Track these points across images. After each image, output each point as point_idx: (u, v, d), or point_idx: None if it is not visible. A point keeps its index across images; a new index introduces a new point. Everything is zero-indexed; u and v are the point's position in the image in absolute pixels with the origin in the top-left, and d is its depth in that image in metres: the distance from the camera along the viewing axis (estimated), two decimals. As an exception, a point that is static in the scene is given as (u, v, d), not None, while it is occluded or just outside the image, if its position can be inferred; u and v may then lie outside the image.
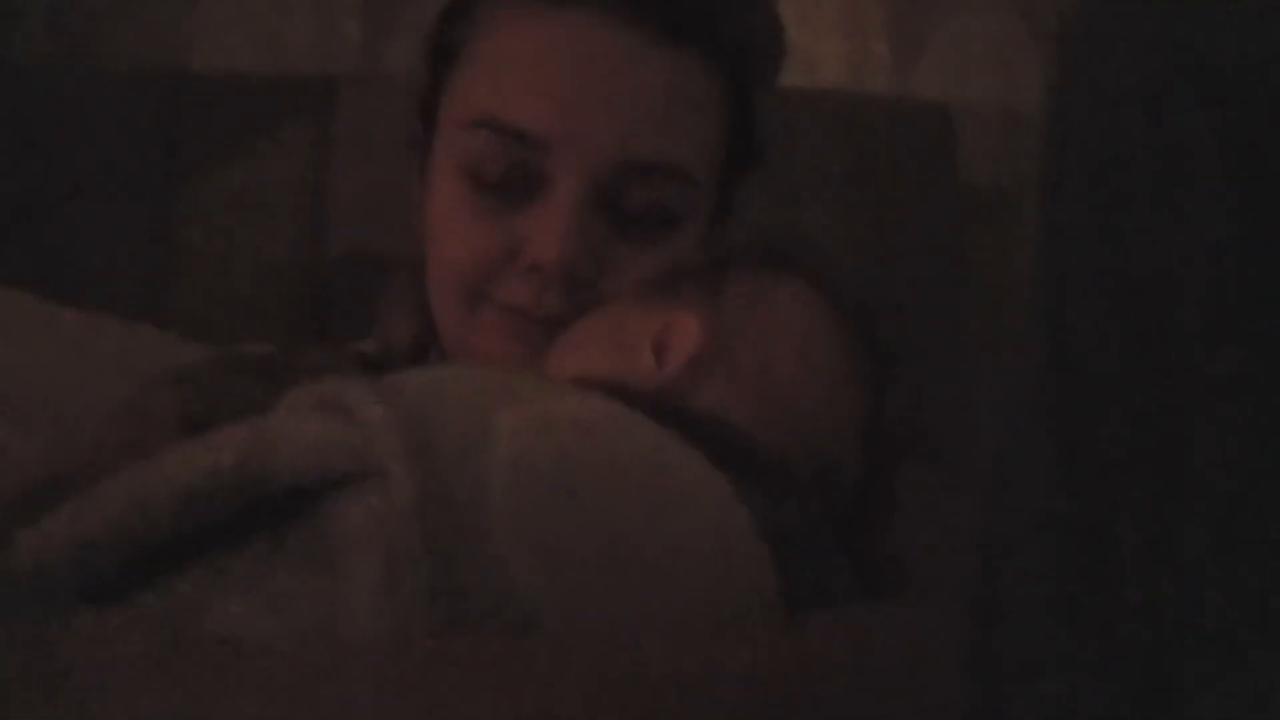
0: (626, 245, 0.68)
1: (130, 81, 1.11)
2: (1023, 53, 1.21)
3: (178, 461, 0.44)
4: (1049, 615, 0.31)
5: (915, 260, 1.13)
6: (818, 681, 0.37)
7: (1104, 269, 0.32)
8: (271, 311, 1.11)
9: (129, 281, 1.13)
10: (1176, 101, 0.31)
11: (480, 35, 0.71)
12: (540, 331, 0.67)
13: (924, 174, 1.13)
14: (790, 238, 0.97)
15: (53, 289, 0.96)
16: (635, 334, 0.64)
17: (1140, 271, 0.31)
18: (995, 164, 1.21)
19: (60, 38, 1.16)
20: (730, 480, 0.50)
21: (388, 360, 0.78)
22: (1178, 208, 0.31)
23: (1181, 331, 0.30)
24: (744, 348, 0.63)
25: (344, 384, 0.46)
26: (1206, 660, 0.29)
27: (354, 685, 0.35)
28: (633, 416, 0.50)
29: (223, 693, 0.35)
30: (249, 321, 1.09)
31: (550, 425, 0.46)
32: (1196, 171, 0.31)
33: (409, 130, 0.76)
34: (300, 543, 0.43)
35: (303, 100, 1.11)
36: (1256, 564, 0.28)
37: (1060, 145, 0.35)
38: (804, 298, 0.68)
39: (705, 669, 0.36)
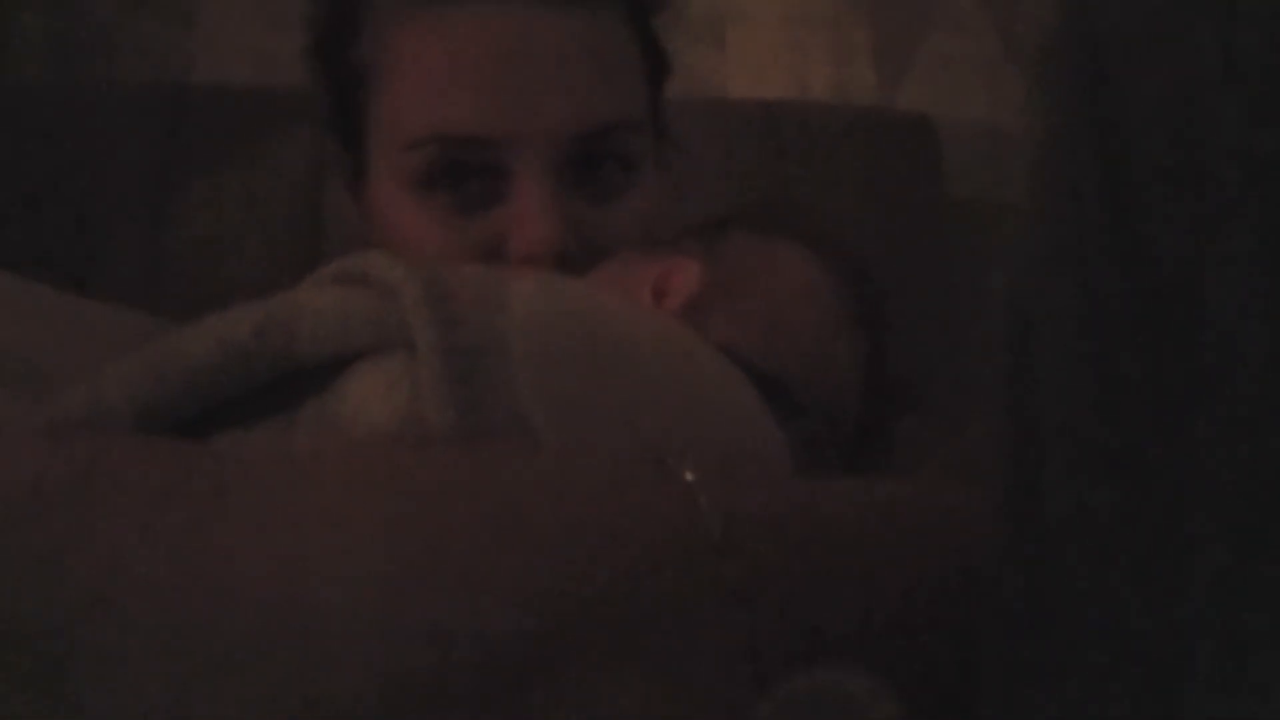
0: (599, 208, 0.69)
1: (128, 95, 1.13)
2: (1004, 71, 1.24)
3: (196, 334, 0.45)
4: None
5: (901, 268, 1.14)
6: (836, 531, 0.38)
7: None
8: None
9: (126, 293, 1.13)
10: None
11: (387, 52, 0.70)
12: None
13: (910, 183, 1.15)
14: (783, 204, 0.99)
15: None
16: (637, 280, 0.65)
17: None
18: (979, 179, 1.23)
19: (60, 53, 1.17)
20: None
21: None
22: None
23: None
24: (743, 289, 0.64)
25: (364, 255, 0.46)
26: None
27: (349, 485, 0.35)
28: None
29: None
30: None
31: (561, 291, 0.46)
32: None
33: (326, 153, 0.76)
34: (317, 410, 0.44)
35: (299, 113, 1.12)
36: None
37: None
38: (799, 250, 0.69)
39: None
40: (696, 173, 1.01)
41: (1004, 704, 0.30)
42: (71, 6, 1.17)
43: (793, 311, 0.65)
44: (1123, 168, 0.29)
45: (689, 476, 0.35)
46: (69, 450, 0.35)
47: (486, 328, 0.41)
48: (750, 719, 0.32)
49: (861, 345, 0.67)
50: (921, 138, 1.16)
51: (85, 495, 0.33)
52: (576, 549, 0.33)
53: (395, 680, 0.31)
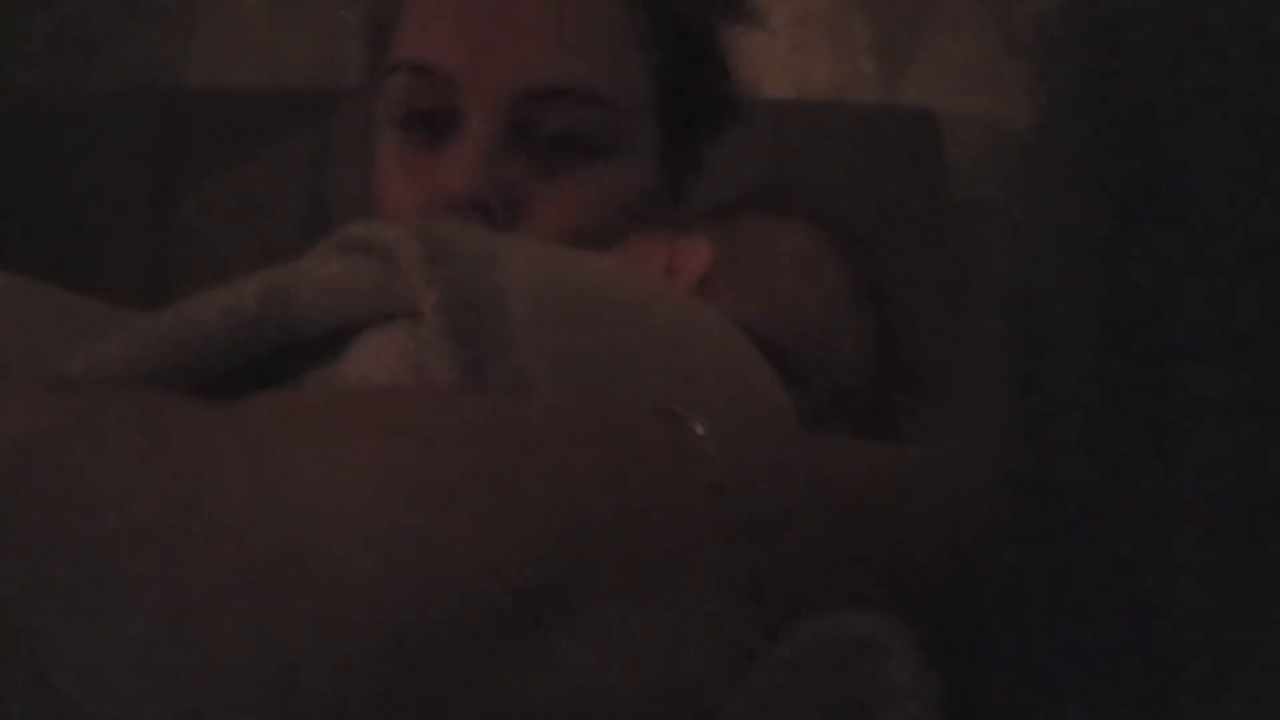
0: (546, 179, 0.68)
1: (129, 98, 1.13)
2: (1006, 66, 1.24)
3: (199, 303, 0.44)
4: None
5: (906, 264, 1.14)
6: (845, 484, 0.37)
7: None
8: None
9: (127, 296, 1.12)
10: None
11: None
12: None
13: (913, 178, 1.15)
14: (791, 186, 0.98)
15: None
16: (646, 261, 0.65)
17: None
18: (982, 175, 1.23)
19: (61, 57, 1.17)
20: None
21: None
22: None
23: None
24: (752, 270, 0.64)
25: (365, 223, 0.46)
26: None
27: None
28: None
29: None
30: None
31: (554, 252, 0.46)
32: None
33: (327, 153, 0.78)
34: (320, 379, 0.43)
35: (301, 115, 1.13)
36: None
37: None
38: (808, 230, 0.69)
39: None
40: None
41: (1012, 663, 0.30)
42: (71, 12, 1.17)
43: (798, 286, 0.64)
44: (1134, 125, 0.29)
45: (695, 425, 0.35)
46: (64, 400, 0.35)
47: (486, 284, 0.41)
48: (767, 661, 0.31)
49: (869, 322, 0.67)
50: (925, 133, 1.16)
51: (76, 444, 0.33)
52: (581, 486, 0.32)
53: (397, 622, 0.30)
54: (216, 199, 1.14)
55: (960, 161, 1.19)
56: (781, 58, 1.25)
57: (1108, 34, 0.32)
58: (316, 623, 0.30)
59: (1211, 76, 0.30)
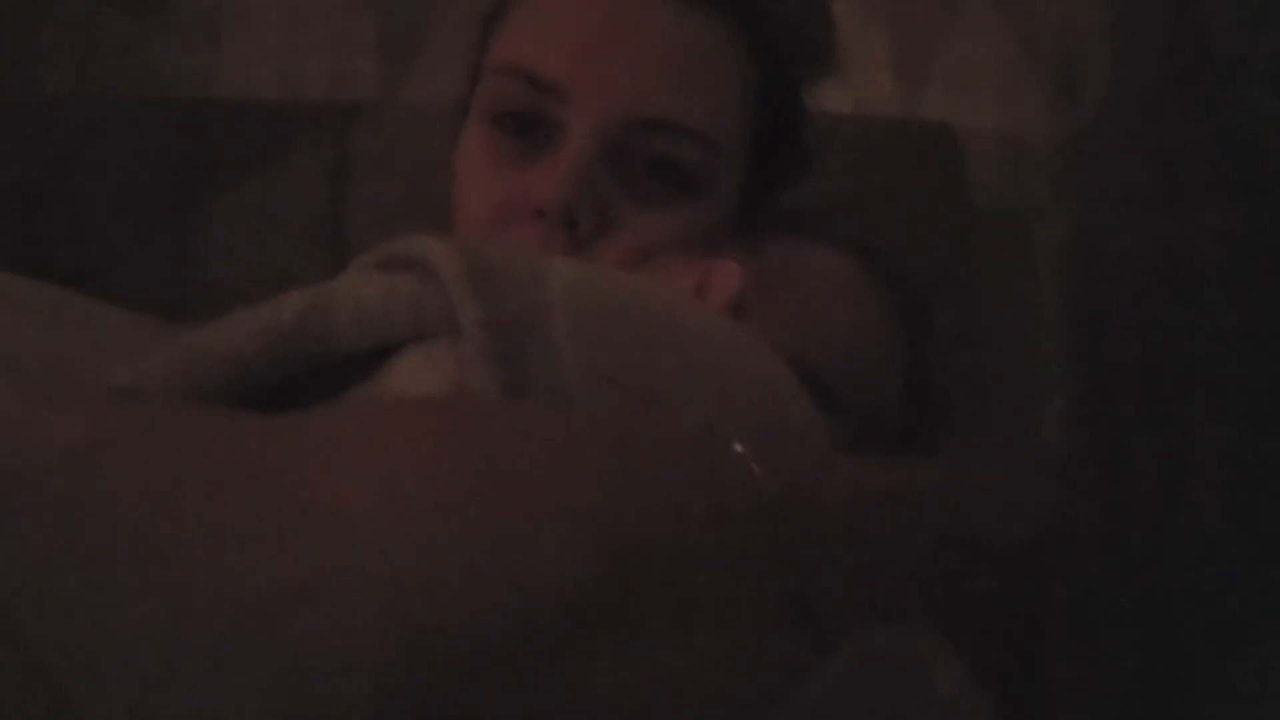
0: (636, 202, 0.69)
1: (151, 110, 1.14)
2: (1025, 79, 1.24)
3: (237, 321, 0.45)
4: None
5: (926, 279, 1.14)
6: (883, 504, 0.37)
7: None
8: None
9: (152, 303, 1.13)
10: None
11: None
12: None
13: (933, 192, 1.15)
14: (823, 210, 0.99)
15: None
16: (675, 280, 0.65)
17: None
18: (1002, 189, 1.23)
19: (83, 69, 1.18)
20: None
21: None
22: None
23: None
24: (784, 293, 0.64)
25: (405, 239, 0.46)
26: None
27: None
28: None
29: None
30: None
31: (599, 269, 0.46)
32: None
33: (458, 96, 0.78)
34: (358, 397, 0.43)
35: (322, 126, 1.13)
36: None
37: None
38: (840, 254, 0.69)
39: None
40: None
41: (1071, 667, 0.30)
42: (93, 24, 1.18)
43: (832, 312, 0.65)
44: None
45: (734, 444, 0.35)
46: (120, 411, 0.35)
47: (528, 303, 0.41)
48: (813, 679, 0.31)
49: (902, 349, 0.67)
50: (943, 147, 1.16)
51: (130, 453, 0.33)
52: (629, 505, 0.32)
53: (432, 634, 0.30)
54: (237, 209, 1.14)
55: (979, 176, 1.19)
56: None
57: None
58: (349, 631, 0.30)
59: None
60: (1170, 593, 0.27)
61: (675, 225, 0.69)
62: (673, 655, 0.32)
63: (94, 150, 1.12)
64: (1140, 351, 0.30)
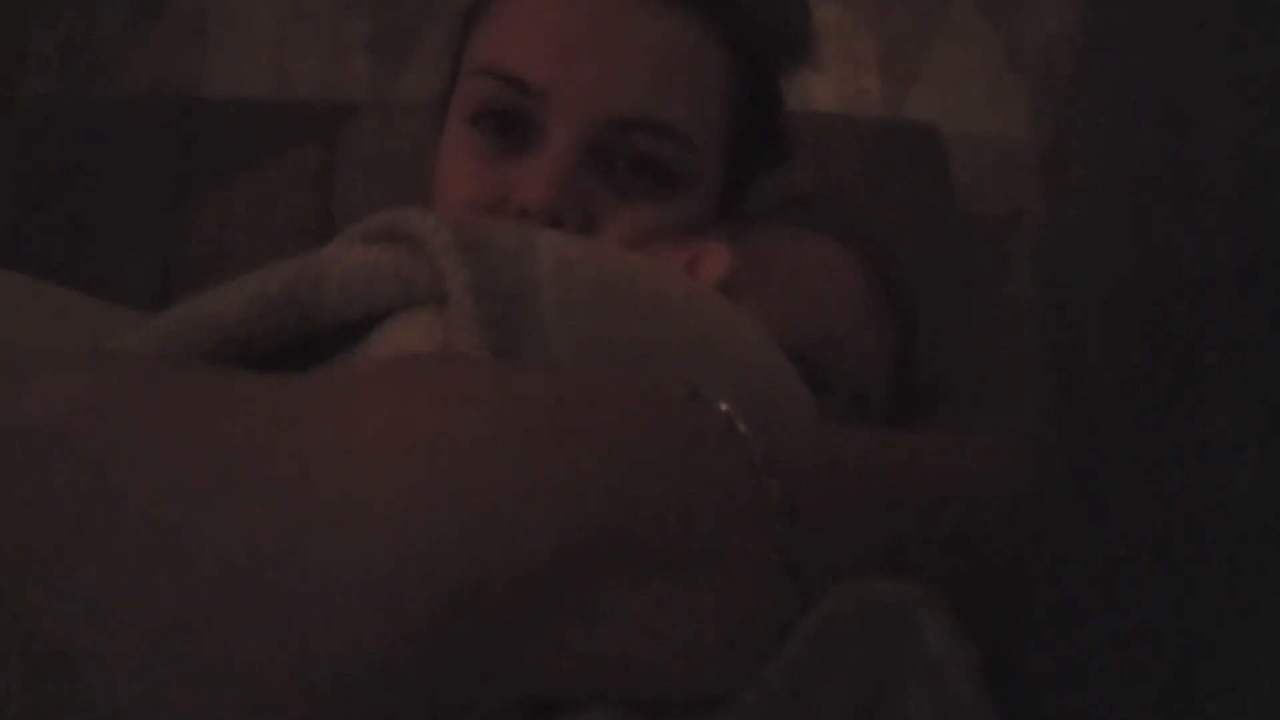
0: (618, 199, 0.69)
1: (141, 108, 1.14)
2: (1010, 83, 1.25)
3: (226, 291, 0.44)
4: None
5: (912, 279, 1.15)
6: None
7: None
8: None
9: (140, 302, 1.13)
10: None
11: None
12: None
13: (919, 194, 1.16)
14: (813, 198, 0.99)
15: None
16: (667, 264, 0.65)
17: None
18: (987, 190, 1.24)
19: (74, 68, 1.18)
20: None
21: None
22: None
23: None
24: (773, 275, 0.65)
25: (392, 211, 0.46)
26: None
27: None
28: None
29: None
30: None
31: (587, 244, 0.46)
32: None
33: (439, 92, 0.78)
34: (346, 364, 0.43)
35: (312, 126, 1.13)
36: None
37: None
38: (827, 239, 0.69)
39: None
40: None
41: (1049, 630, 0.30)
42: (84, 23, 1.18)
43: (819, 294, 0.65)
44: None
45: (723, 405, 0.35)
46: (91, 377, 0.35)
47: (517, 272, 0.41)
48: (798, 632, 0.31)
49: (889, 332, 0.67)
50: (930, 149, 1.17)
51: (103, 422, 0.33)
52: (617, 462, 0.32)
53: (429, 595, 0.30)
54: (226, 208, 1.14)
55: (965, 178, 1.20)
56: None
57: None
58: (341, 594, 0.30)
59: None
60: (1143, 581, 0.28)
61: (659, 220, 0.70)
62: (661, 609, 0.32)
63: (83, 150, 1.12)
64: (1115, 349, 0.30)
